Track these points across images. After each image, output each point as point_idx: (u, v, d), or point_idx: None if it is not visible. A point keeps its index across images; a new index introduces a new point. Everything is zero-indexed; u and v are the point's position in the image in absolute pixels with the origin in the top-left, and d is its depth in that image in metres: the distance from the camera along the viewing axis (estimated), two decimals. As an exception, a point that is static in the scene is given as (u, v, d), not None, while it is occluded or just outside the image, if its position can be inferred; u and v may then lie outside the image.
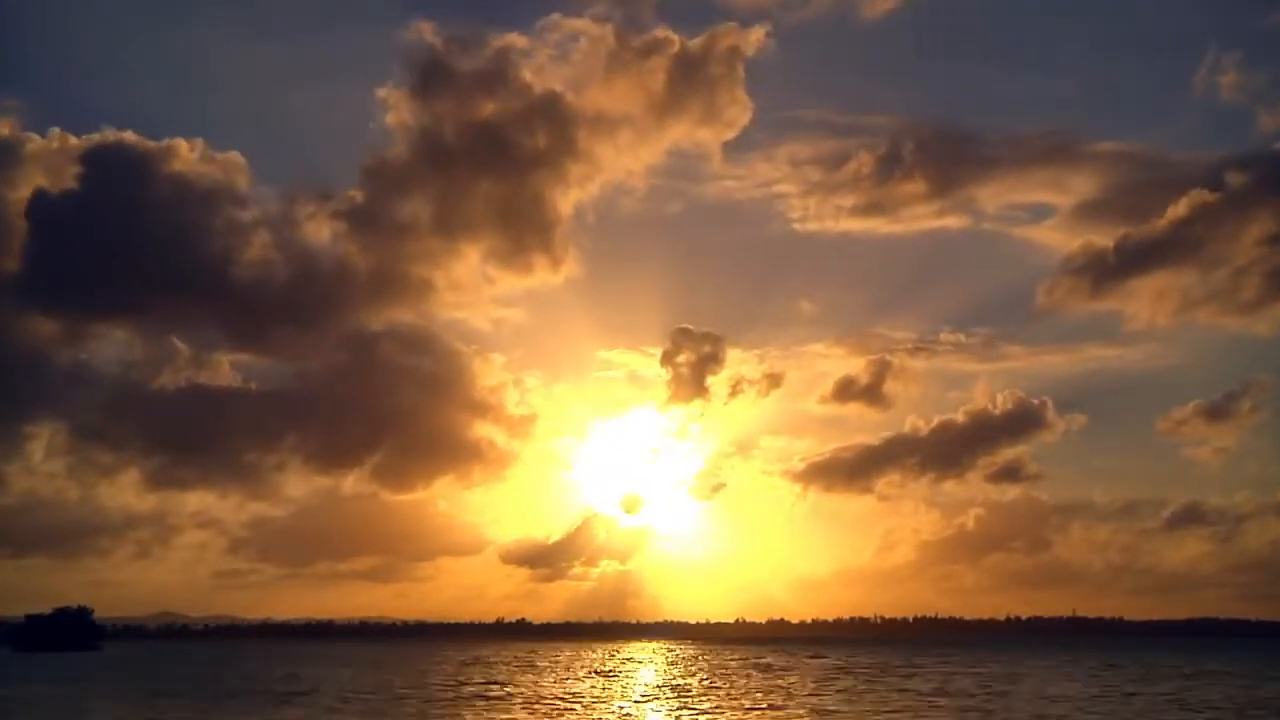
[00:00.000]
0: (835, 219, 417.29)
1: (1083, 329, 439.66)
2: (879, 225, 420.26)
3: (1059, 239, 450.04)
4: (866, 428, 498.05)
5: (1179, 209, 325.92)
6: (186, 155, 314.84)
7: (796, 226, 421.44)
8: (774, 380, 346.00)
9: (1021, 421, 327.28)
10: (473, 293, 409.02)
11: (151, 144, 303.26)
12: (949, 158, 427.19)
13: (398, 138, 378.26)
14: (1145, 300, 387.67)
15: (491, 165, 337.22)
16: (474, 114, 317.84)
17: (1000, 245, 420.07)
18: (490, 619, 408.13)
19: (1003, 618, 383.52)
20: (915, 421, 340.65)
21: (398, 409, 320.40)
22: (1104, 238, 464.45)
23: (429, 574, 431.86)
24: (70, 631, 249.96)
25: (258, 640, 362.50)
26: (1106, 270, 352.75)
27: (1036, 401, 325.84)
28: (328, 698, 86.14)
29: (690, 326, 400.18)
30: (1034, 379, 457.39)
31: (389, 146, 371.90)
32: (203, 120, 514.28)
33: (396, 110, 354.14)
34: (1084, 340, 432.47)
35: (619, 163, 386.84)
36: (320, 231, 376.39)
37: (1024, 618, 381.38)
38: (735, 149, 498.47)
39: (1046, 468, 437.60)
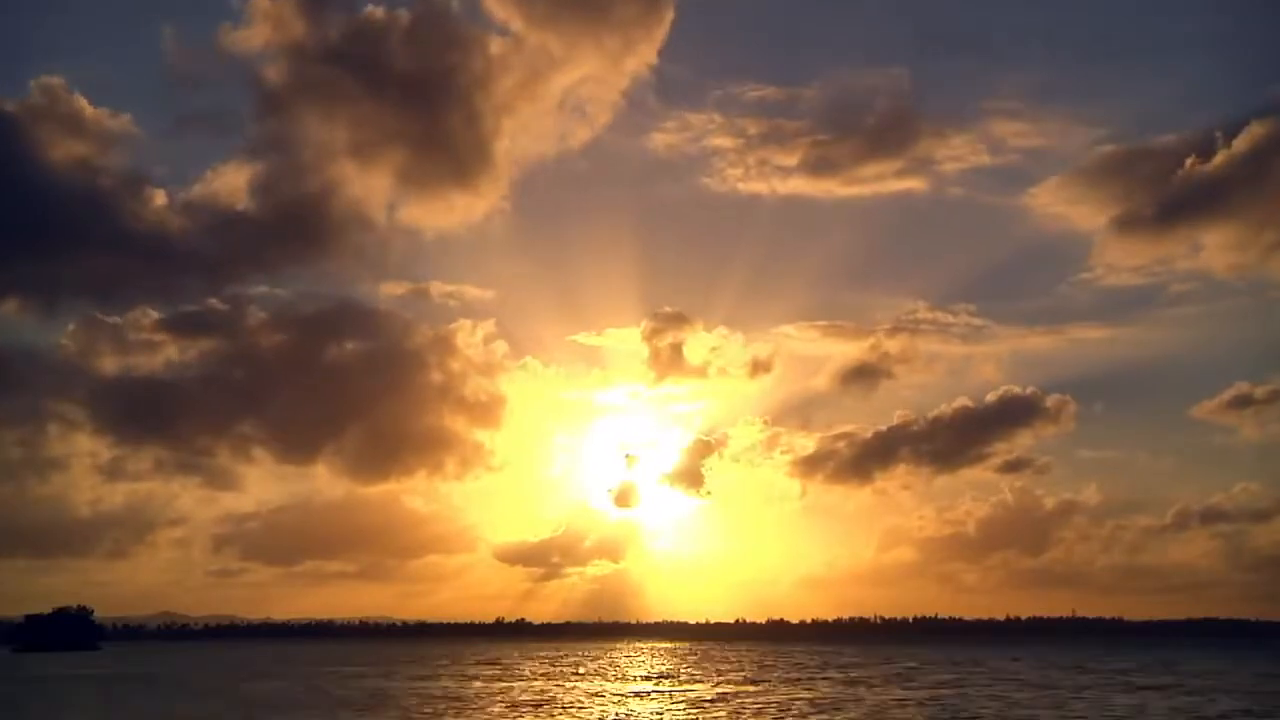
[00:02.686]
0: (782, 179, 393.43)
1: (1082, 309, 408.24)
2: (833, 187, 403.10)
3: (1041, 207, 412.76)
4: (854, 418, 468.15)
5: (1195, 173, 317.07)
6: (51, 103, 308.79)
7: (740, 186, 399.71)
8: (755, 366, 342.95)
9: (1017, 413, 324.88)
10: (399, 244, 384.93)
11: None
12: (905, 114, 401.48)
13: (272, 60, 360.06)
14: (1166, 275, 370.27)
15: (367, 90, 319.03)
16: (354, 34, 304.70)
17: (973, 213, 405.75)
18: (490, 619, 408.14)
19: (1003, 617, 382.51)
20: (904, 413, 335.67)
21: (366, 400, 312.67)
22: (1097, 211, 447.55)
23: (424, 573, 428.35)
24: (70, 631, 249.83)
25: (255, 640, 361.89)
26: (1111, 243, 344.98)
27: (1030, 390, 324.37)
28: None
29: (652, 304, 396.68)
30: (1025, 363, 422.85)
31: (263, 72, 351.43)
32: (65, 57, 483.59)
33: (268, 27, 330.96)
34: (1080, 320, 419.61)
35: (537, 94, 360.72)
36: (228, 180, 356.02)
37: (1024, 617, 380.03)
38: (661, 95, 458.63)
39: (1043, 460, 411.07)
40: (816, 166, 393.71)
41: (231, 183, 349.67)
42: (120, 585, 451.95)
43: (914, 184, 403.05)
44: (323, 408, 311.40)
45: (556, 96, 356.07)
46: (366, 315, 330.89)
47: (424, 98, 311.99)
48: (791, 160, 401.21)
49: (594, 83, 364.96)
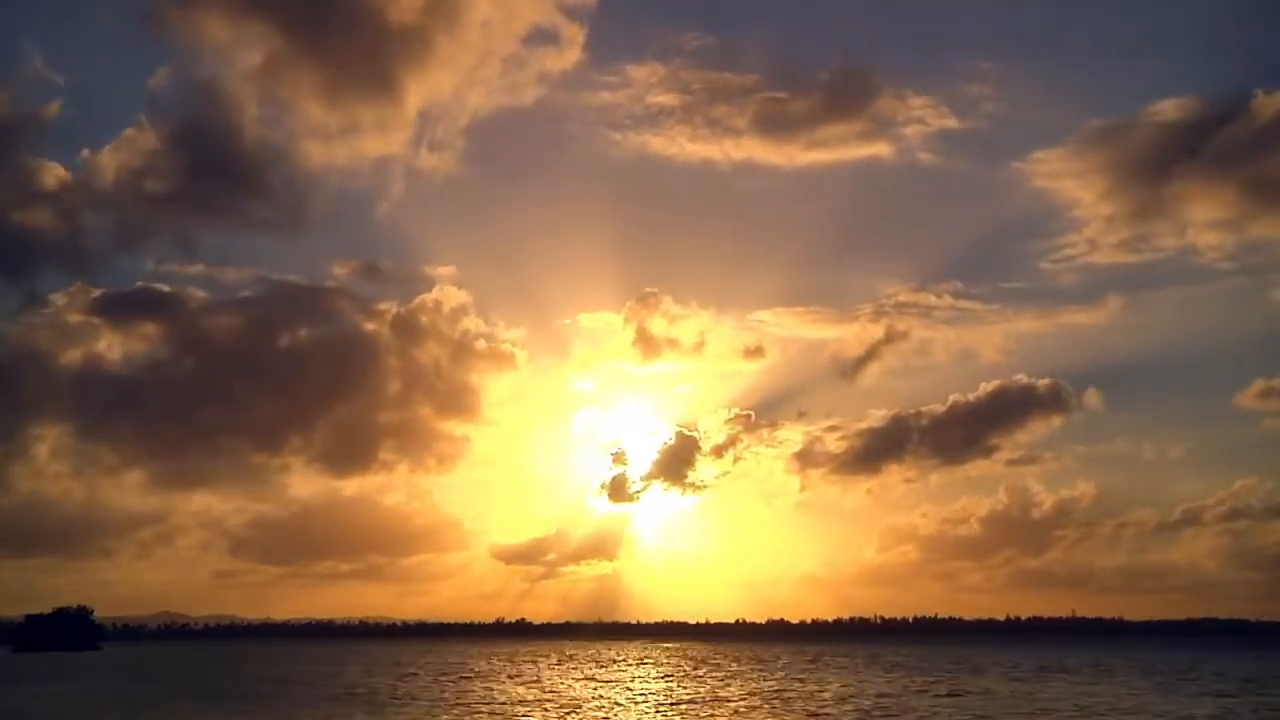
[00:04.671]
0: (735, 141, 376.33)
1: (1075, 291, 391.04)
2: (794, 153, 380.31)
3: (1022, 179, 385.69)
4: (844, 409, 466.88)
5: (1211, 149, 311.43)
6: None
7: (689, 148, 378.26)
8: (745, 354, 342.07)
9: (1014, 405, 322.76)
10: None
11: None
12: (859, 70, 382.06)
13: None
14: (1164, 256, 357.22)
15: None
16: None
17: (948, 184, 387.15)
18: (489, 619, 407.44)
19: (1002, 617, 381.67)
20: (898, 406, 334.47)
21: (337, 390, 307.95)
22: (1084, 185, 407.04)
23: (419, 572, 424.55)
24: (70, 631, 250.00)
25: (256, 640, 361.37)
26: (1101, 221, 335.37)
27: (1025, 379, 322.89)
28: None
29: (625, 284, 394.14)
30: (1017, 349, 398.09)
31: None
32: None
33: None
34: (1073, 304, 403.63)
35: (464, 38, 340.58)
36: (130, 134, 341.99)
37: (1024, 618, 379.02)
38: (598, 42, 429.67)
39: (1042, 454, 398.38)
40: (769, 127, 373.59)
41: (136, 133, 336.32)
42: (120, 585, 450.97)
43: (879, 149, 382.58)
44: (294, 398, 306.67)
45: (493, 44, 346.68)
46: (322, 295, 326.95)
47: (334, 24, 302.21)
48: (741, 121, 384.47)
49: (524, 27, 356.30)
